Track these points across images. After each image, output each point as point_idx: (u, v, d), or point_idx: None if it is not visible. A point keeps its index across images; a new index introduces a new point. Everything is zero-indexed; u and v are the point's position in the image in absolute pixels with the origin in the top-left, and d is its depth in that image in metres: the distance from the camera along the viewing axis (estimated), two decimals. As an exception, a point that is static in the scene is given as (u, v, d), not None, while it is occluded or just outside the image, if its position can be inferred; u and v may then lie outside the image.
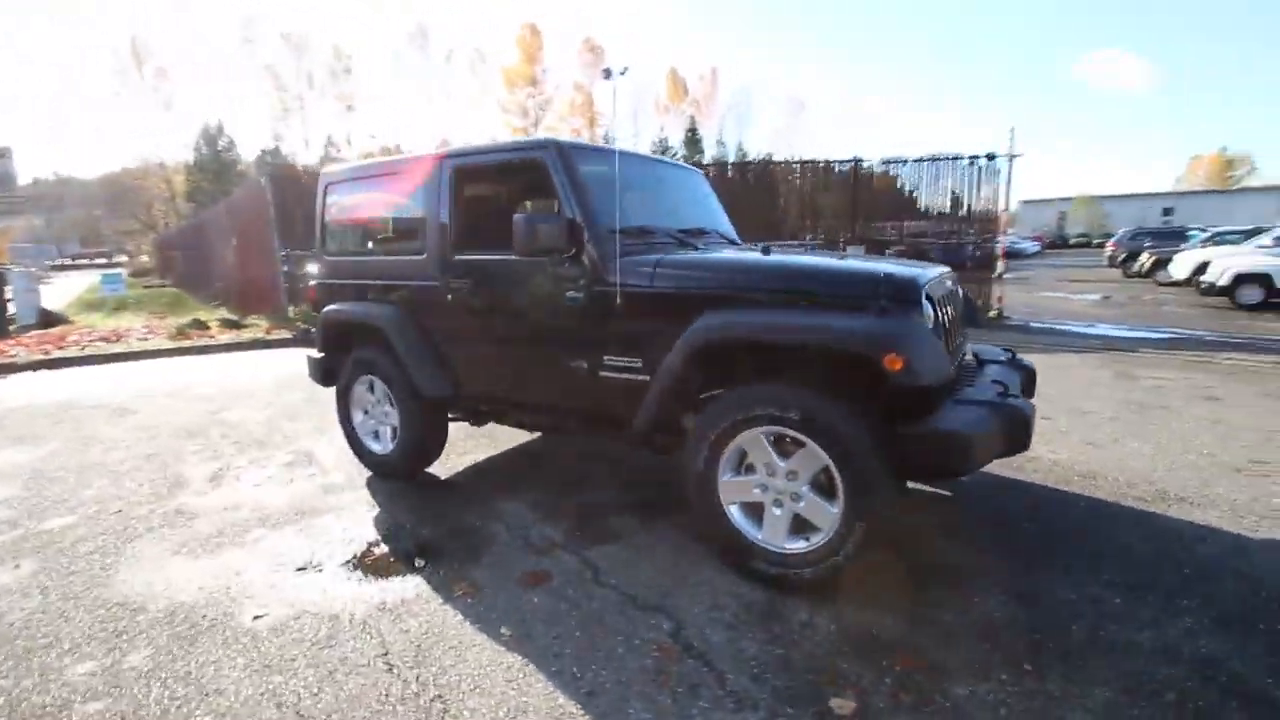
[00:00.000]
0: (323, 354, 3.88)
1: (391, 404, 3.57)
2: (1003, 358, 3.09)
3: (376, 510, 3.27)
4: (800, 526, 2.34)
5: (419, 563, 2.71)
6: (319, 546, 2.88)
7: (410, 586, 2.51)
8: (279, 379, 6.74)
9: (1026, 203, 52.26)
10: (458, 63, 53.39)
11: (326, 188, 3.82)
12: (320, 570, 2.67)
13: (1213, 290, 12.36)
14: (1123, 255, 20.23)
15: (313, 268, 4.06)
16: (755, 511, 2.43)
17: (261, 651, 2.11)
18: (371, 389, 3.70)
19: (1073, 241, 46.04)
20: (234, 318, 10.68)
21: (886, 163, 10.97)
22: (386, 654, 2.08)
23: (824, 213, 11.87)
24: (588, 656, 2.03)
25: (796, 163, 12.24)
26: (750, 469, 2.43)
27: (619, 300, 2.65)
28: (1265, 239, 14.02)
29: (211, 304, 14.77)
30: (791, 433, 2.25)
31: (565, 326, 2.86)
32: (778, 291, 2.40)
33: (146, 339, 9.26)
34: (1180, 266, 14.95)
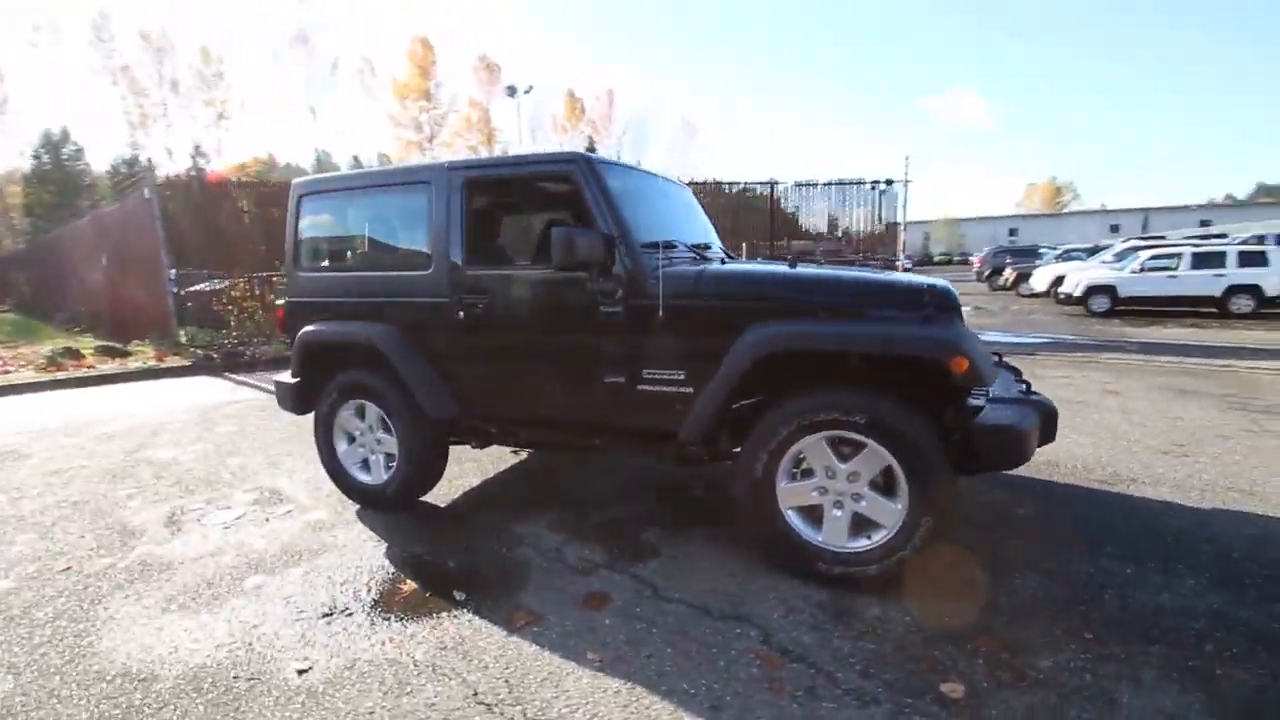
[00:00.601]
0: (298, 379, 3.56)
1: (387, 430, 3.33)
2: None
3: (383, 545, 3.03)
4: (859, 526, 2.44)
5: (459, 595, 2.55)
6: (336, 589, 2.62)
7: (464, 622, 2.35)
8: (196, 410, 6.06)
9: (895, 224, 57.29)
10: (344, 72, 50.69)
11: (301, 199, 3.53)
12: (350, 614, 2.44)
13: (1070, 300, 14.16)
14: (988, 270, 22.66)
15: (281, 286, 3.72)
16: (812, 514, 2.51)
17: (330, 708, 1.90)
18: (361, 414, 3.43)
19: (936, 259, 51.06)
20: (114, 345, 9.46)
21: (800, 185, 11.72)
22: (476, 694, 1.94)
23: (742, 231, 12.43)
24: (692, 672, 2.00)
25: (714, 183, 12.76)
26: (807, 474, 2.51)
27: (661, 313, 2.66)
28: (1107, 255, 16.30)
29: (70, 330, 13.00)
30: (854, 435, 2.36)
31: (601, 341, 2.82)
32: (828, 303, 2.52)
33: (8, 370, 7.99)
34: (1040, 280, 17.02)
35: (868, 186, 11.90)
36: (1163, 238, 20.18)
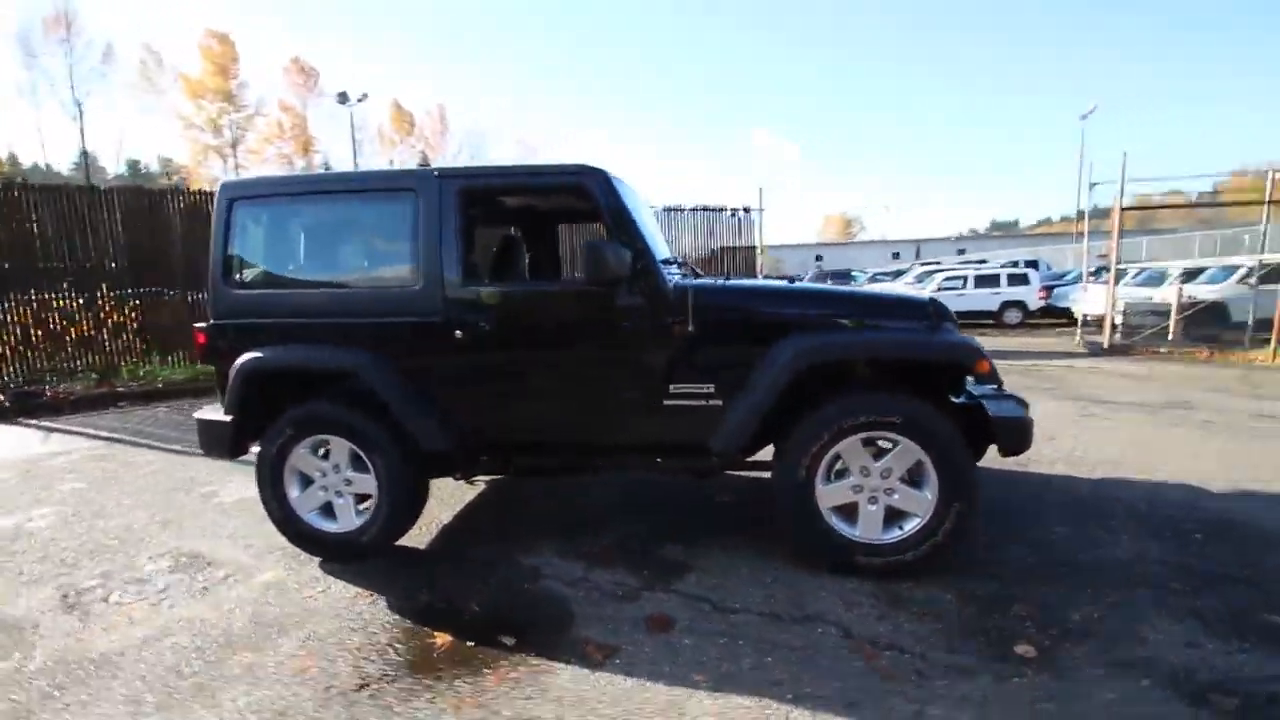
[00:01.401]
0: (233, 415, 3.00)
1: (360, 467, 2.93)
2: None
3: (380, 599, 2.66)
4: (890, 518, 2.66)
5: (509, 640, 2.33)
6: (355, 656, 2.26)
7: (535, 667, 2.15)
8: (11, 468, 4.78)
9: (753, 247, 62.02)
10: (124, 63, 43.05)
11: (232, 204, 3.01)
12: (394, 679, 2.11)
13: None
14: (813, 290, 25.34)
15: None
16: (847, 512, 2.68)
17: (448, 785, 1.64)
18: (323, 453, 2.99)
19: (761, 280, 56.08)
20: None
21: (669, 210, 12.25)
22: (605, 737, 1.80)
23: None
24: (805, 676, 2.04)
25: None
26: (840, 474, 2.68)
27: (692, 327, 2.69)
28: (909, 277, 19.06)
29: None
30: (889, 435, 2.57)
31: (626, 357, 2.77)
32: (851, 315, 2.73)
33: None
34: None
35: (729, 213, 12.90)
36: (938, 263, 24.21)
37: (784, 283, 3.09)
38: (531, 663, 2.18)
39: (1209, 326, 10.47)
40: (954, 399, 2.85)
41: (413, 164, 42.80)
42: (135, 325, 8.53)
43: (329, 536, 2.99)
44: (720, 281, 2.87)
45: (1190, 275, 11.82)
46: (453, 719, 1.91)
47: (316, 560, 3.02)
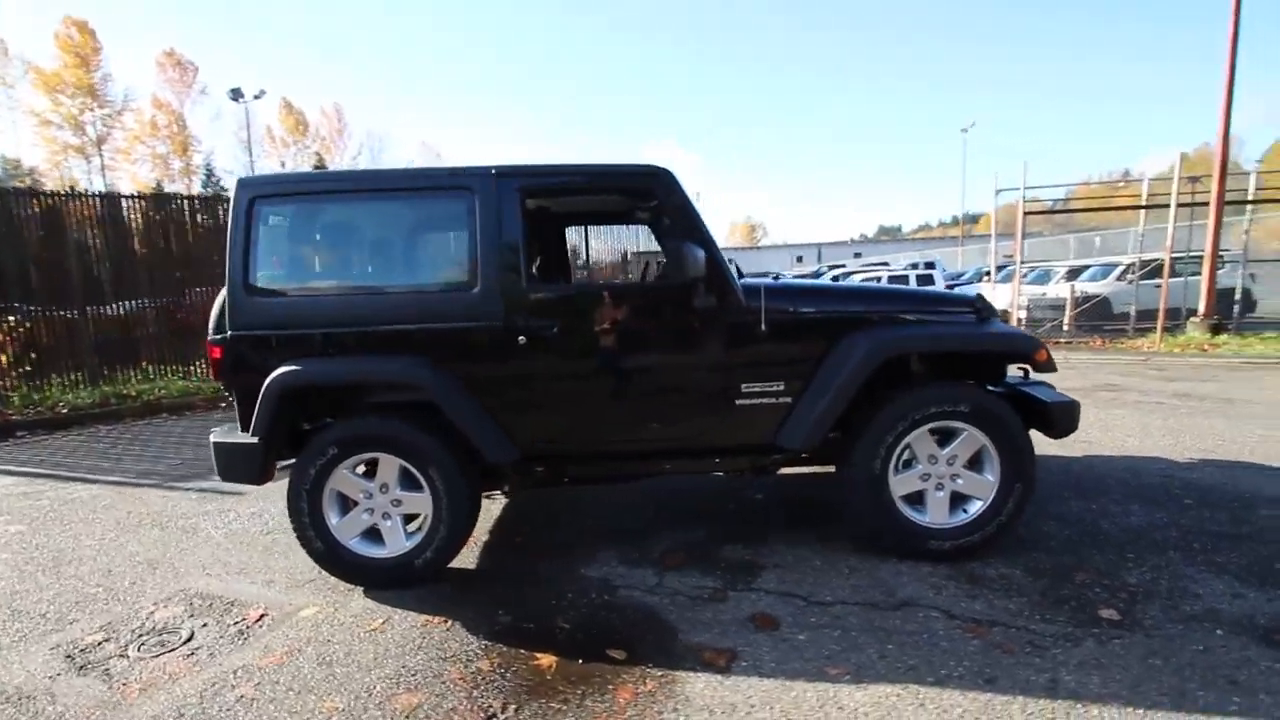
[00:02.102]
0: (260, 437, 2.69)
1: (411, 485, 2.73)
2: None
3: (455, 624, 2.47)
4: (954, 502, 2.80)
5: (619, 654, 2.24)
6: (469, 689, 2.09)
7: (674, 679, 2.08)
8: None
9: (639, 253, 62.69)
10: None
11: (254, 203, 2.71)
12: (520, 707, 1.98)
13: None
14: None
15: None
16: (915, 500, 2.79)
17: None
18: (368, 473, 2.75)
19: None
20: None
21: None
22: (779, 739, 1.78)
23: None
24: (932, 660, 2.10)
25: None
26: (908, 464, 2.79)
27: (764, 326, 2.72)
28: (826, 279, 20.12)
29: None
30: (957, 424, 2.71)
31: (700, 358, 2.76)
32: (910, 311, 2.86)
33: None
34: None
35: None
36: (844, 265, 25.75)
37: (868, 283, 3.19)
38: (655, 675, 2.11)
39: (1095, 319, 11.80)
40: (993, 387, 3.04)
41: (307, 165, 40.22)
42: (15, 346, 7.44)
43: (378, 563, 2.75)
44: (784, 281, 2.92)
45: (1074, 274, 13.28)
46: (611, 740, 1.82)
47: (358, 590, 2.77)
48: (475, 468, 2.75)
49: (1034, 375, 3.12)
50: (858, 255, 44.47)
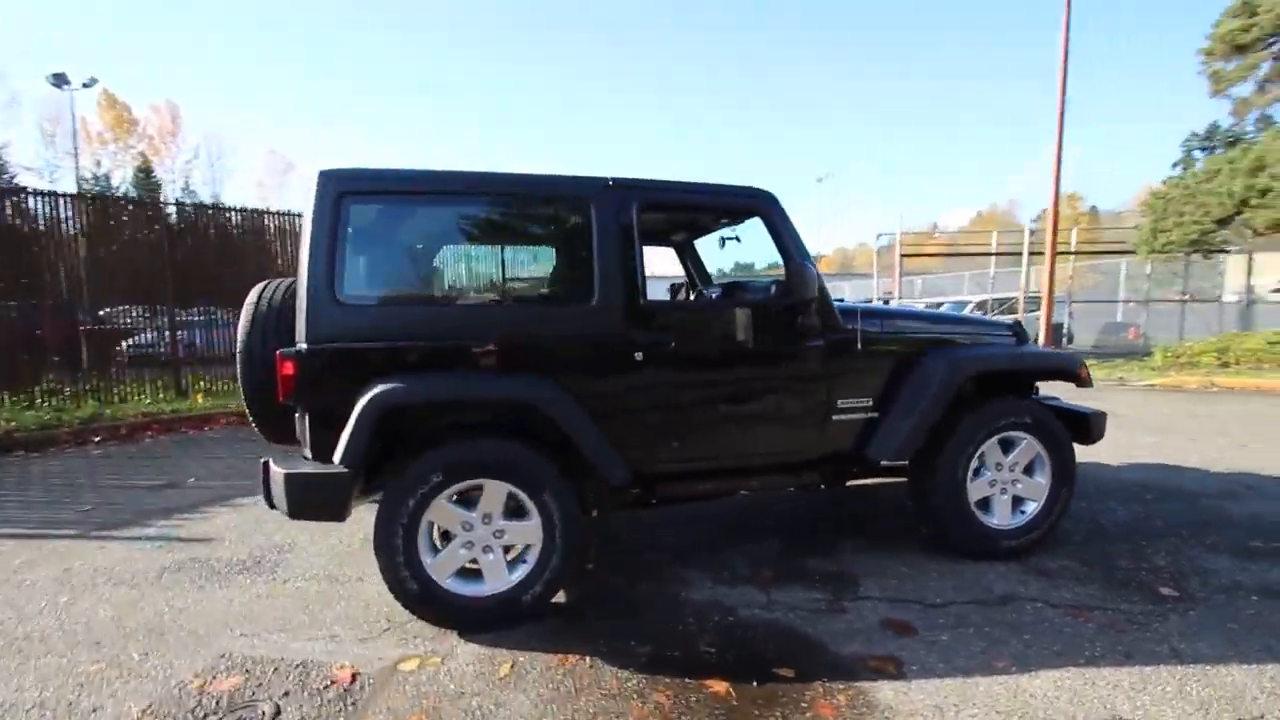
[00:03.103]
0: (352, 466, 2.33)
1: (517, 514, 2.51)
2: None
3: (596, 662, 2.29)
4: (1013, 505, 3.11)
5: (788, 672, 2.21)
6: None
7: (856, 692, 2.10)
8: None
9: None
10: None
11: (342, 198, 2.39)
12: (733, 736, 1.89)
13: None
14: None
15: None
16: (983, 505, 3.07)
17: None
18: (466, 503, 2.48)
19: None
20: None
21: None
22: (1007, 731, 1.86)
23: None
24: (1071, 644, 2.32)
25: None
26: (978, 472, 3.06)
27: (860, 345, 2.89)
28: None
29: None
30: (1019, 434, 3.03)
31: (804, 375, 2.84)
32: (970, 335, 3.18)
33: None
34: None
35: None
36: None
37: (918, 308, 3.46)
38: (839, 688, 2.12)
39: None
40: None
41: (129, 167, 35.04)
42: None
43: (479, 602, 2.48)
44: (870, 305, 3.12)
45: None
46: (859, 754, 1.80)
47: (449, 635, 2.47)
48: (584, 492, 2.60)
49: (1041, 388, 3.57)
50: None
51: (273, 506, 2.47)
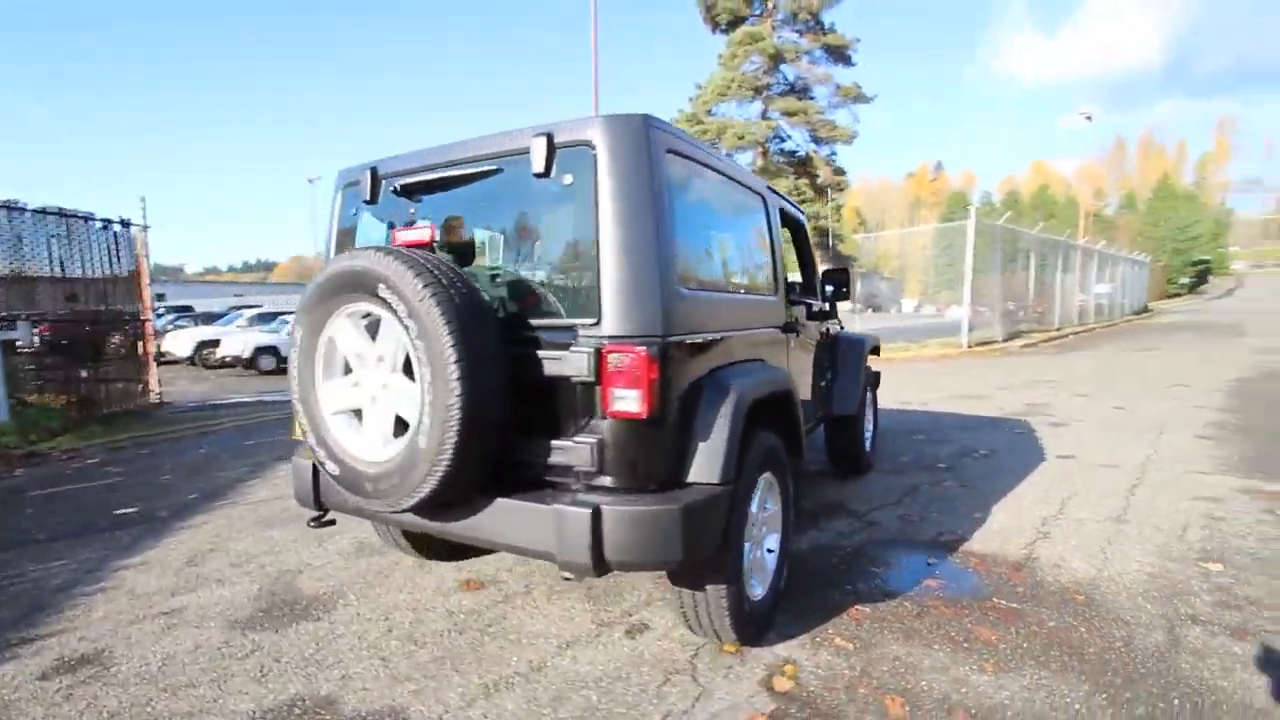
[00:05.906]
0: (733, 480, 1.97)
1: (772, 502, 2.49)
2: None
3: (793, 646, 2.31)
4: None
5: (936, 584, 2.85)
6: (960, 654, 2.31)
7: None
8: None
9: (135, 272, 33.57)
10: None
11: (669, 153, 1.90)
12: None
13: (237, 362, 14.41)
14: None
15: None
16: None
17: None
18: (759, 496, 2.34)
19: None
20: None
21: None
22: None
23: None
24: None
25: None
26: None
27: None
28: (242, 320, 16.99)
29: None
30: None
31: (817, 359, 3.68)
32: None
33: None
34: (180, 345, 15.87)
35: (98, 224, 8.44)
36: (258, 305, 21.23)
37: None
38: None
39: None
40: None
41: None
42: None
43: (761, 605, 2.32)
44: None
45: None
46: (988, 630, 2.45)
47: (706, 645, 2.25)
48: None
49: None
50: (238, 295, 37.98)
51: (601, 571, 1.75)
